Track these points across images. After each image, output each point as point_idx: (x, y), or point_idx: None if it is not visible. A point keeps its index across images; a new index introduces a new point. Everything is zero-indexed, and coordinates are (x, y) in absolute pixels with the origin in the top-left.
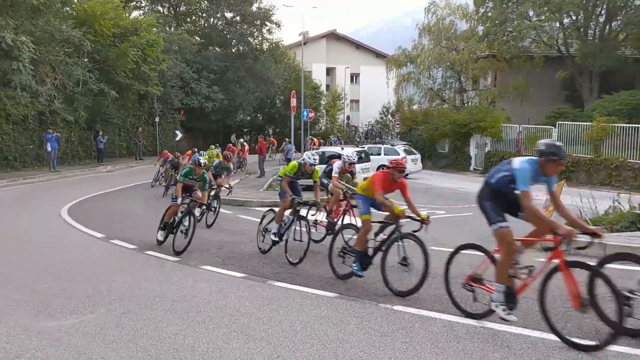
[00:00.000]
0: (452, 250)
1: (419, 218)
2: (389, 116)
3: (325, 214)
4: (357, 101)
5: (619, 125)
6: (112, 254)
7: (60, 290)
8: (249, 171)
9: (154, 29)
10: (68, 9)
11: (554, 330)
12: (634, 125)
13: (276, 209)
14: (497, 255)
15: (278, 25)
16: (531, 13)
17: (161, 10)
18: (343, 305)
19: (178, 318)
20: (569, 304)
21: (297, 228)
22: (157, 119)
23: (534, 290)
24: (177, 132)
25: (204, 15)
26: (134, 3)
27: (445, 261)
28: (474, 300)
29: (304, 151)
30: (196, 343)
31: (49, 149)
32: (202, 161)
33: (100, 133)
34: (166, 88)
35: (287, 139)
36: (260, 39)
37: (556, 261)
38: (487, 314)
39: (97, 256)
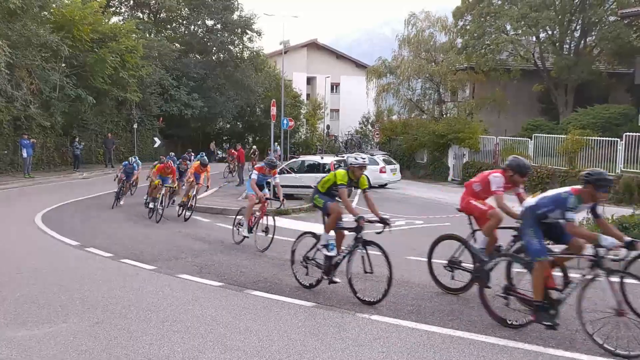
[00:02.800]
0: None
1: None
2: (369, 126)
3: None
4: (337, 110)
5: (593, 138)
6: (87, 262)
7: (33, 299)
8: (228, 180)
9: (134, 35)
10: (46, 13)
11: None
12: (607, 138)
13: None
14: None
15: (259, 33)
16: (508, 27)
17: (141, 17)
18: (320, 314)
19: (153, 327)
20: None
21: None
22: (135, 126)
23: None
24: (156, 139)
25: (184, 22)
26: (114, 9)
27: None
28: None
29: (284, 160)
30: (171, 353)
31: (25, 155)
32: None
33: (77, 139)
34: (145, 94)
35: (269, 150)
36: (241, 47)
37: None
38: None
39: (71, 264)
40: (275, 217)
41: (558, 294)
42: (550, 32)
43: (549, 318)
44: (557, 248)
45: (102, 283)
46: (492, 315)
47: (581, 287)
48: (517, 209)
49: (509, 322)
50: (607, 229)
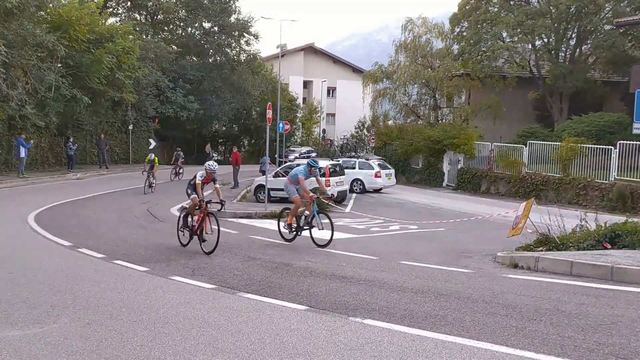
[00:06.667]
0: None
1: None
2: (365, 130)
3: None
4: (333, 115)
5: (587, 145)
6: (79, 262)
7: (23, 299)
8: (223, 182)
9: (130, 36)
10: (43, 13)
11: None
12: (601, 146)
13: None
14: None
15: (256, 37)
16: (504, 34)
17: (138, 18)
18: (313, 318)
19: (145, 329)
20: None
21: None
22: (130, 127)
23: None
24: (151, 140)
25: (181, 24)
26: (111, 10)
27: None
28: None
29: (279, 164)
30: (162, 355)
31: (22, 154)
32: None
33: (71, 140)
34: (141, 96)
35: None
36: (237, 50)
37: None
38: None
39: (63, 265)
40: (270, 220)
41: None
42: (546, 40)
43: None
44: None
45: (94, 284)
46: None
47: None
48: None
49: None
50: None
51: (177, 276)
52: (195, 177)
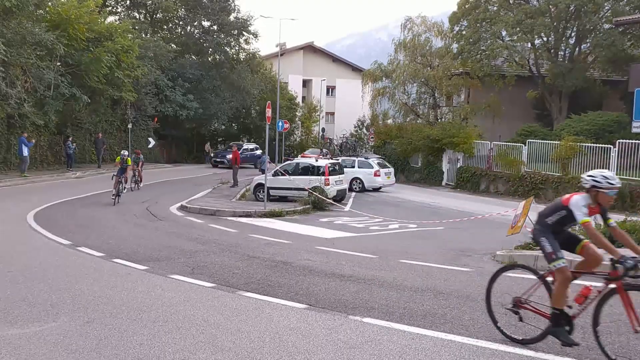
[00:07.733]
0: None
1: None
2: (364, 129)
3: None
4: (332, 113)
5: (587, 144)
6: (78, 261)
7: (23, 298)
8: (222, 180)
9: (129, 35)
10: (42, 11)
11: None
12: (600, 145)
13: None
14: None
15: (255, 35)
16: (504, 33)
17: (137, 17)
18: (312, 316)
19: (144, 327)
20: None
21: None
22: (129, 126)
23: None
24: (150, 139)
25: (180, 23)
26: (110, 8)
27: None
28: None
29: (279, 162)
30: (162, 353)
31: (25, 153)
32: None
33: (70, 138)
34: (140, 95)
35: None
36: (237, 48)
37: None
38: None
39: (63, 263)
40: (269, 219)
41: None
42: (545, 39)
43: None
44: None
45: (93, 282)
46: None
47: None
48: None
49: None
50: None
51: (177, 275)
52: (568, 211)
